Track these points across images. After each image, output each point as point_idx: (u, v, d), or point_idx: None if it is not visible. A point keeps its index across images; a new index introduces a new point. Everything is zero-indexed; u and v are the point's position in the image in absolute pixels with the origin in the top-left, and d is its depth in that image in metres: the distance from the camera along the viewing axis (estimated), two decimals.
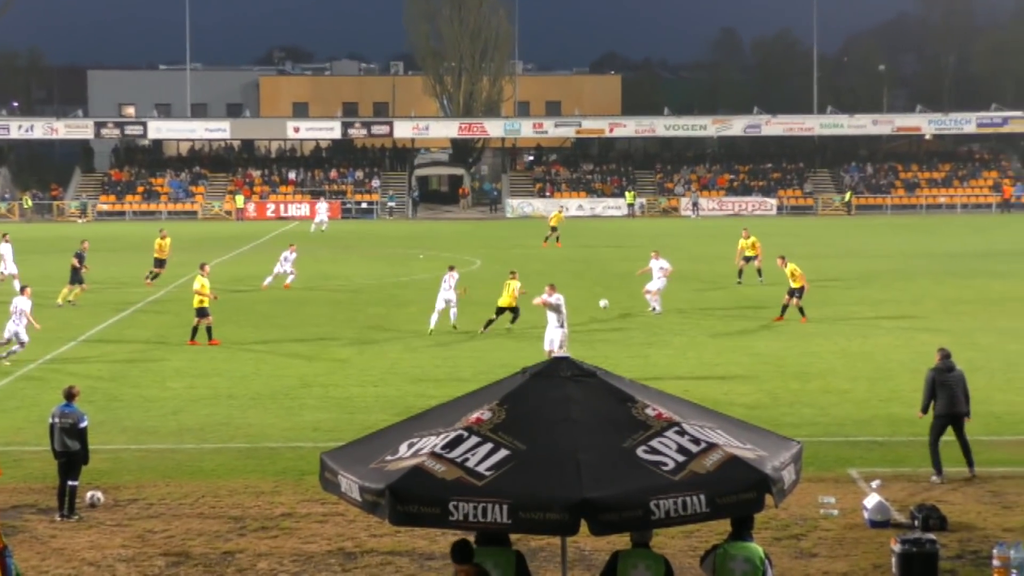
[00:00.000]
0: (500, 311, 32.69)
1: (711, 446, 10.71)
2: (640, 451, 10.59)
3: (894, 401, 24.37)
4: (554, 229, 61.12)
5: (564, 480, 10.25)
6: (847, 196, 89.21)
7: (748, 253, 43.72)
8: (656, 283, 36.77)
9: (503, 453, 10.54)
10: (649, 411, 11.05)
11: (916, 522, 16.42)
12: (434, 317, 32.91)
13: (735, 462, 10.57)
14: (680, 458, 10.52)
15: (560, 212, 67.66)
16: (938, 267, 48.74)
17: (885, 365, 28.15)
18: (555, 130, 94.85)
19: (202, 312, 31.80)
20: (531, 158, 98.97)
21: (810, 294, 35.93)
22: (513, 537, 11.84)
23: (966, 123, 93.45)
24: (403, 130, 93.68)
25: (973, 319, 34.85)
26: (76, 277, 39.48)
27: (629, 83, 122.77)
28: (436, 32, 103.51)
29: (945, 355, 19.46)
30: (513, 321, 32.84)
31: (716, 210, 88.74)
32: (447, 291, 33.26)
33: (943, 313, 36.13)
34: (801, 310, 34.67)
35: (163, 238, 45.60)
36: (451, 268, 34.49)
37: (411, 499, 10.26)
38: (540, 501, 10.13)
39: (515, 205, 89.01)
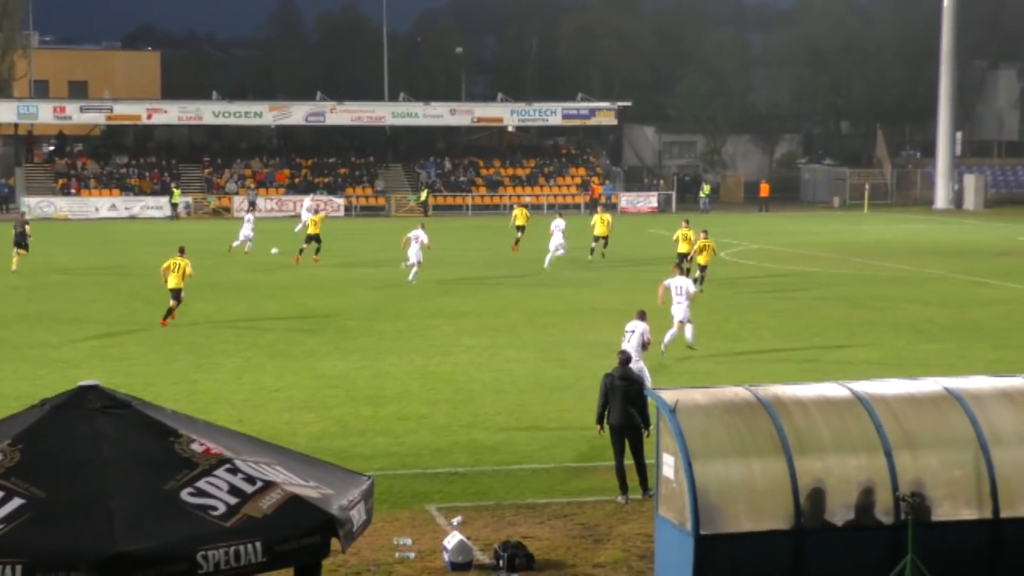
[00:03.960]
0: None
1: (268, 485, 10.69)
2: (185, 494, 10.43)
3: (476, 427, 25.16)
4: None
5: (93, 532, 9.95)
6: (423, 195, 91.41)
7: (681, 248, 47.30)
8: (680, 310, 33.64)
9: (16, 503, 10.13)
10: (195, 446, 10.91)
11: (500, 562, 17.01)
12: None
13: (296, 503, 10.59)
14: (232, 500, 10.44)
15: (525, 209, 64.46)
16: (523, 274, 50.78)
17: (467, 386, 29.01)
18: (81, 115, 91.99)
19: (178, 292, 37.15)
20: (51, 148, 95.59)
21: (384, 309, 36.63)
22: None
23: (551, 114, 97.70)
24: None
25: (561, 332, 36.52)
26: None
27: (170, 61, 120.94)
28: None
29: (625, 360, 20.32)
30: None
31: (275, 210, 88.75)
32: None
33: (529, 326, 37.67)
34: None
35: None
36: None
37: None
38: (62, 559, 9.79)
39: (33, 204, 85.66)
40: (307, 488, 10.90)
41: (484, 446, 23.57)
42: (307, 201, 73.91)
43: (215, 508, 10.36)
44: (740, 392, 16.46)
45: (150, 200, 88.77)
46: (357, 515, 11.07)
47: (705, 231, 46.88)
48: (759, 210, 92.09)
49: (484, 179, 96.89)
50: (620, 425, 20.07)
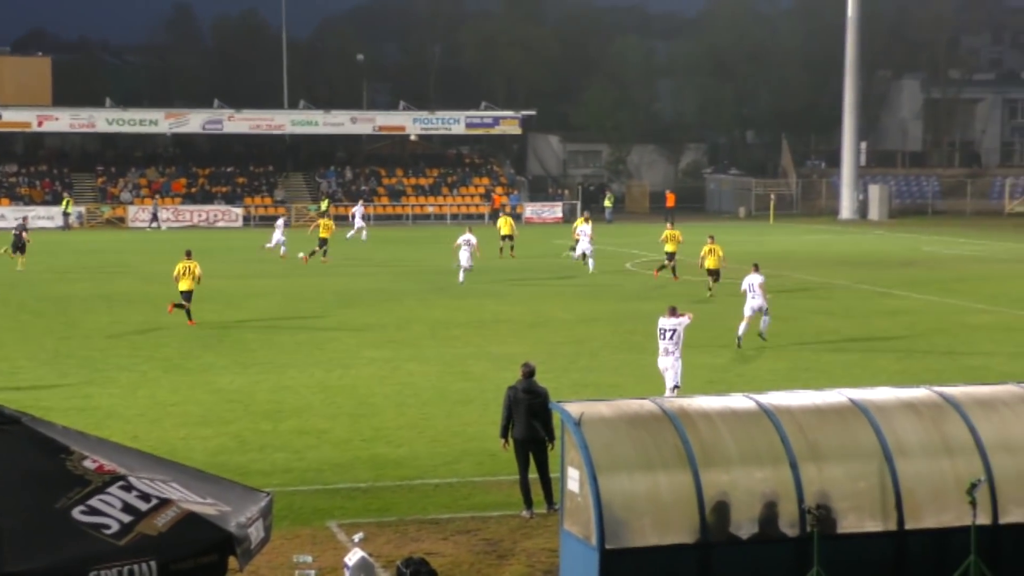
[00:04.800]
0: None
1: (164, 502, 10.58)
2: (77, 512, 10.30)
3: (378, 441, 25.10)
4: (507, 238, 62.11)
5: None
6: (324, 204, 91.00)
7: (668, 248, 51.60)
8: (756, 303, 36.13)
9: None
10: (88, 463, 10.78)
11: None
12: None
13: (192, 520, 10.50)
14: (126, 518, 10.32)
15: (510, 218, 65.93)
16: (427, 286, 50.75)
17: (368, 400, 28.93)
18: None
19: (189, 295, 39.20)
20: None
21: (284, 322, 36.45)
22: None
23: (454, 123, 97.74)
24: None
25: (465, 344, 36.54)
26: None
27: (62, 67, 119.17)
28: None
29: (528, 372, 20.29)
30: None
31: (171, 220, 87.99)
32: None
33: (432, 338, 37.65)
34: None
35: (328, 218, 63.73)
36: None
37: None
38: None
39: None
40: (204, 505, 10.81)
41: (386, 461, 23.52)
42: (359, 208, 75.82)
43: (108, 527, 10.24)
44: (646, 404, 16.57)
45: (41, 210, 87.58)
46: (255, 532, 11.00)
47: (712, 236, 48.60)
48: (665, 220, 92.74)
49: (386, 189, 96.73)
50: (524, 439, 20.09)
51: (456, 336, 38.07)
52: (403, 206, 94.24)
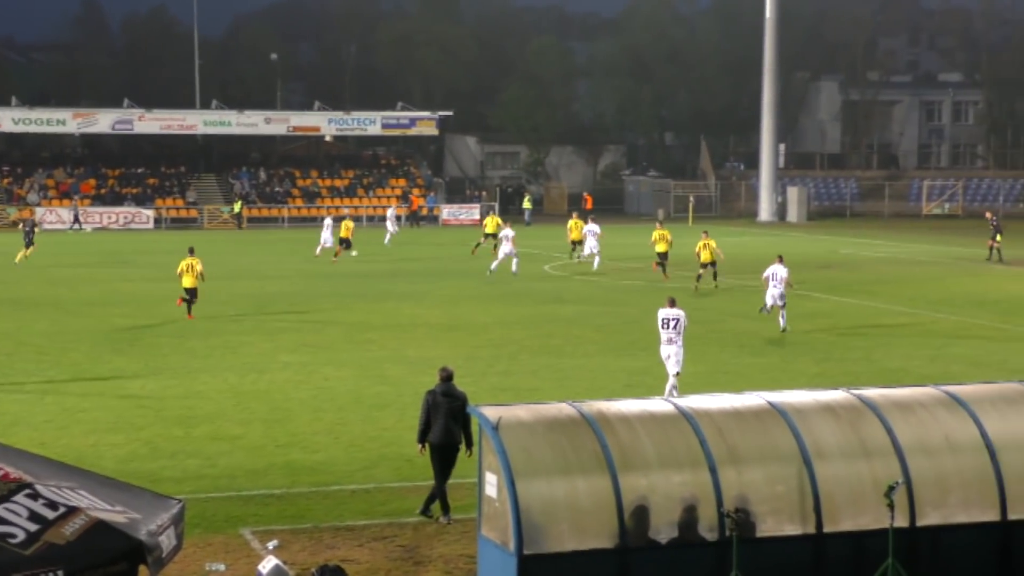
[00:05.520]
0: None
1: (72, 511, 10.49)
2: None
3: (294, 447, 25.01)
4: (491, 236, 62.78)
5: None
6: (237, 206, 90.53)
7: (659, 248, 53.90)
8: (776, 293, 40.28)
9: None
10: None
11: None
12: None
13: (101, 528, 10.41)
14: (33, 527, 10.22)
15: (498, 217, 66.73)
16: (343, 289, 50.59)
17: (283, 405, 28.82)
18: None
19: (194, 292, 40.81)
20: None
21: (196, 326, 36.32)
22: None
23: (370, 124, 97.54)
24: None
25: (381, 348, 36.48)
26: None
27: None
28: None
29: (446, 376, 20.25)
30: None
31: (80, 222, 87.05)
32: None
33: (348, 342, 37.54)
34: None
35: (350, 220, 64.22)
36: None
37: None
38: None
39: None
40: (113, 513, 10.72)
41: (301, 467, 23.43)
42: (391, 211, 76.08)
43: (14, 536, 10.14)
44: (564, 408, 16.62)
45: None
46: (167, 540, 10.93)
47: (706, 231, 53.76)
48: (577, 216, 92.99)
49: (301, 190, 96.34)
50: (441, 443, 20.08)
51: (373, 339, 38.00)
52: (318, 208, 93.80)
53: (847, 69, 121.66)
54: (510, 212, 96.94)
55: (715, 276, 51.04)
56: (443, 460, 20.13)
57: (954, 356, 35.57)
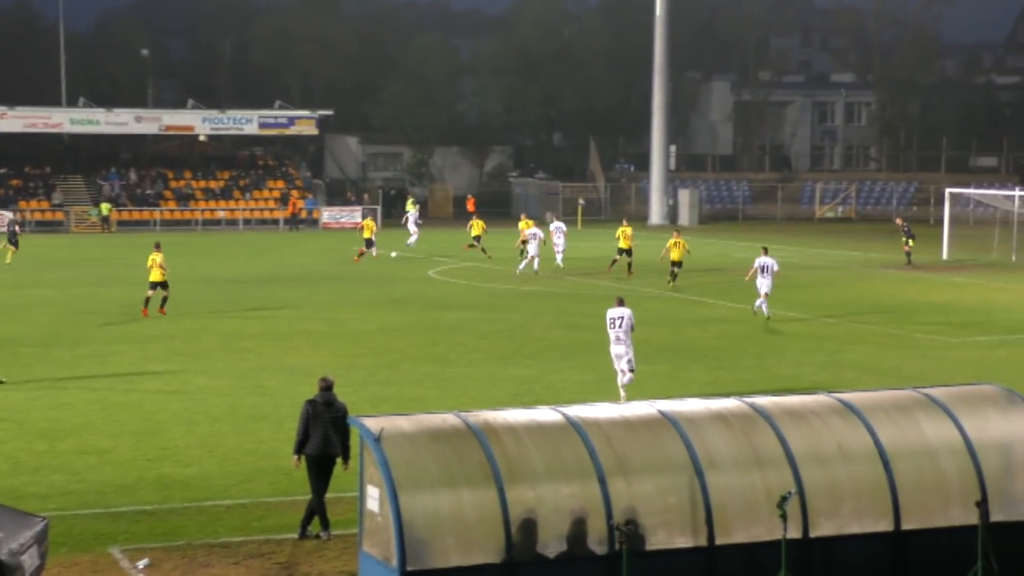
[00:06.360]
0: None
1: None
2: None
3: (166, 460, 24.77)
4: (478, 239, 66.03)
5: None
6: (105, 208, 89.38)
7: (621, 244, 57.88)
8: (765, 283, 43.83)
9: None
10: None
11: None
12: None
13: None
14: None
15: (479, 219, 69.21)
16: (218, 296, 50.20)
17: (154, 417, 28.53)
18: None
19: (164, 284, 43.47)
20: None
21: (63, 334, 35.76)
22: None
23: (247, 123, 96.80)
24: None
25: (258, 357, 36.23)
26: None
27: None
28: None
29: (326, 386, 20.12)
30: None
31: None
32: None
33: (224, 351, 37.25)
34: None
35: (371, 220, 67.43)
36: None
37: None
38: None
39: None
40: None
41: (174, 481, 23.21)
42: (413, 213, 76.88)
43: None
44: (449, 419, 16.61)
45: None
46: (29, 560, 10.77)
47: (677, 230, 59.08)
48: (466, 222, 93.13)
49: (174, 192, 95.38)
50: (319, 455, 19.99)
51: (249, 348, 37.73)
52: (192, 211, 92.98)
53: (739, 69, 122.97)
54: (392, 215, 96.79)
55: (673, 276, 53.00)
56: (320, 472, 20.04)
57: (848, 362, 36.07)
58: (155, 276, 43.77)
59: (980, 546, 16.55)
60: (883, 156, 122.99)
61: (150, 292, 43.95)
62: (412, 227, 73.90)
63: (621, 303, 30.64)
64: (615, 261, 58.67)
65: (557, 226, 62.62)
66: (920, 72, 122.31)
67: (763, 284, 43.86)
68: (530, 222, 62.68)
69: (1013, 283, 56.64)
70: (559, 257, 61.05)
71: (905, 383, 28.76)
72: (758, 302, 43.89)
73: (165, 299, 44.07)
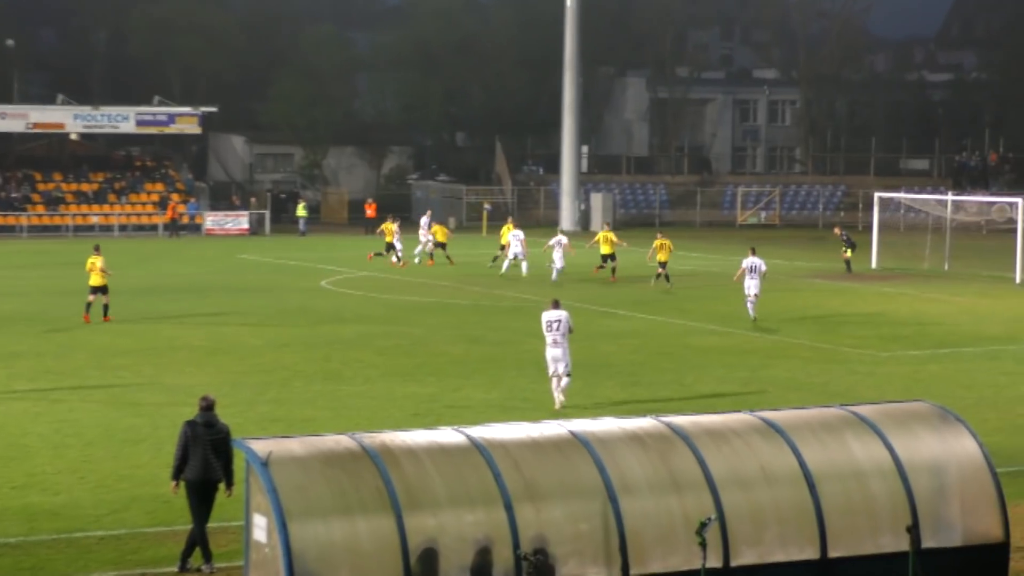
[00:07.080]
0: None
1: None
2: None
3: (32, 488, 24.50)
4: (442, 246, 68.54)
5: None
6: None
7: (603, 250, 60.21)
8: (753, 285, 46.59)
9: None
10: None
11: None
12: None
13: None
14: None
15: (443, 224, 73.86)
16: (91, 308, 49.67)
17: (20, 440, 28.22)
18: None
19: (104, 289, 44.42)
20: None
21: None
22: None
23: (123, 120, 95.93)
24: None
25: (135, 375, 35.92)
26: None
27: None
28: None
29: (207, 405, 19.99)
30: None
31: None
32: None
33: (97, 368, 36.91)
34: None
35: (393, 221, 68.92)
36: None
37: None
38: None
39: None
40: None
41: (41, 511, 22.96)
42: (425, 219, 76.63)
43: None
44: (343, 441, 16.54)
45: None
46: None
47: (661, 231, 63.43)
48: (366, 232, 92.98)
49: (42, 195, 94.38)
50: (199, 479, 19.81)
51: (125, 365, 37.41)
52: (62, 216, 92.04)
53: (655, 64, 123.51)
54: (282, 220, 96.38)
55: (666, 278, 56.87)
56: (201, 498, 19.86)
57: (771, 378, 36.35)
58: (95, 280, 44.80)
59: (912, 574, 16.70)
60: (809, 158, 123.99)
61: (91, 297, 44.81)
62: (425, 235, 74.59)
63: (557, 305, 31.84)
64: (600, 267, 60.93)
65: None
66: (848, 68, 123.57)
67: (751, 286, 46.39)
68: (511, 225, 65.23)
69: (946, 293, 57.35)
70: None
71: (832, 400, 29.01)
72: (748, 304, 46.25)
73: (106, 306, 45.01)
